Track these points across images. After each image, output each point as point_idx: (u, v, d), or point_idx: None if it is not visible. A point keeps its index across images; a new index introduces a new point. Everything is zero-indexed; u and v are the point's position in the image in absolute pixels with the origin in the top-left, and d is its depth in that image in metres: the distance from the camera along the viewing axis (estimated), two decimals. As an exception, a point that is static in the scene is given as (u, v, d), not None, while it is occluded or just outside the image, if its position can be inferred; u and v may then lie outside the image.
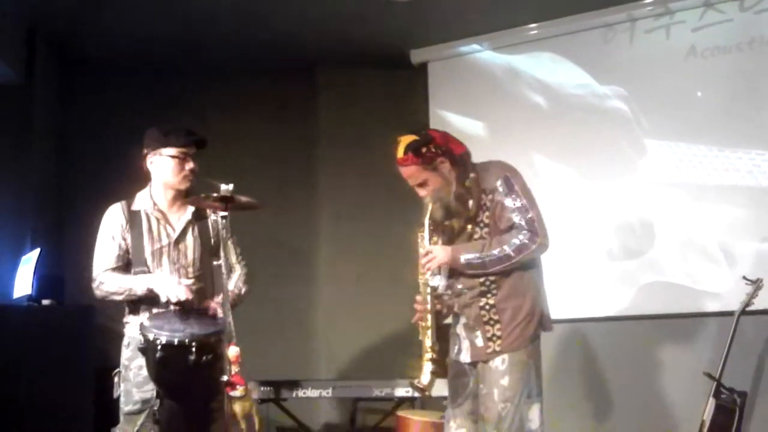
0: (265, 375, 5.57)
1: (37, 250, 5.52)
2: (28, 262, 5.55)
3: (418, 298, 3.78)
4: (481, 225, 3.75)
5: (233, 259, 4.28)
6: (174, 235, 4.12)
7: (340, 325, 6.56)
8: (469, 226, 3.77)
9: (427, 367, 3.70)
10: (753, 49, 5.43)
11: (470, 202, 3.75)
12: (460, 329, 3.86)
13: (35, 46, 6.13)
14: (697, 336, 5.31)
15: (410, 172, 3.77)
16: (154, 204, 4.15)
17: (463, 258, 3.69)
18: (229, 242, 4.24)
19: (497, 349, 3.71)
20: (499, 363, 3.71)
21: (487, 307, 3.74)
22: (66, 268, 6.14)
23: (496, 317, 3.73)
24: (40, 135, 6.22)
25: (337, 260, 6.69)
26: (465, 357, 3.83)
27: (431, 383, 3.71)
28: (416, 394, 5.44)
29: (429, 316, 3.73)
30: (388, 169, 6.24)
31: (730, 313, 4.83)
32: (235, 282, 4.24)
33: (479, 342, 3.76)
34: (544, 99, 6.12)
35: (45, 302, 5.45)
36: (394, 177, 6.03)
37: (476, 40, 6.37)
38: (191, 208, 4.16)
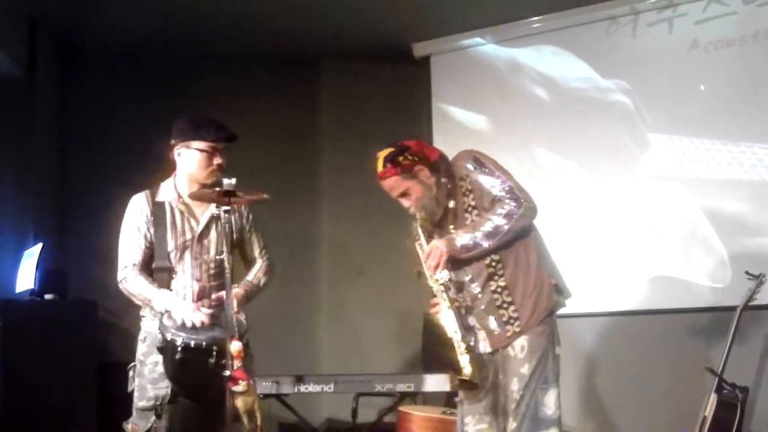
0: (267, 370, 5.57)
1: (40, 245, 5.53)
2: (31, 256, 5.55)
3: (434, 300, 3.76)
4: (470, 209, 3.77)
5: (255, 252, 4.25)
6: (198, 230, 4.06)
7: (341, 320, 6.56)
8: (452, 225, 3.77)
9: (465, 360, 3.65)
10: (757, 42, 5.41)
11: (452, 203, 3.79)
12: (472, 321, 3.84)
13: (37, 39, 6.13)
14: (699, 331, 5.30)
15: (391, 184, 3.82)
16: (179, 196, 4.07)
17: (458, 243, 3.70)
18: (253, 236, 4.22)
19: (516, 330, 3.71)
20: (519, 350, 3.70)
21: (499, 289, 3.74)
22: (68, 262, 6.16)
23: (509, 299, 3.73)
24: (42, 129, 6.22)
25: (338, 255, 6.69)
26: (484, 347, 3.81)
27: (474, 372, 3.66)
28: (422, 389, 5.47)
29: (450, 312, 3.71)
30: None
31: (732, 308, 4.82)
32: (254, 273, 4.20)
33: (496, 328, 3.75)
34: (546, 92, 6.11)
35: (47, 297, 5.46)
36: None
37: (479, 34, 6.36)
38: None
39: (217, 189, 3.74)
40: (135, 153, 6.29)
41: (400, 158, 3.79)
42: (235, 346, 3.64)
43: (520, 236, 3.73)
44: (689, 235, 5.50)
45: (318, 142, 6.87)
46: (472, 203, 3.76)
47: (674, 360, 5.36)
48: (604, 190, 5.81)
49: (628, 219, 5.69)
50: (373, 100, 6.74)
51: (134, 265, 3.99)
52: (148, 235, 4.02)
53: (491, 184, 3.71)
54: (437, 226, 3.83)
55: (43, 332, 5.33)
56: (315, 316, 6.70)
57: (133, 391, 4.05)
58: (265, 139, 6.68)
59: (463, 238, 3.70)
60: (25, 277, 5.54)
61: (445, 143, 6.33)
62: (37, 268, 5.42)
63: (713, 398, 4.67)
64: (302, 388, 5.54)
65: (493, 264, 3.74)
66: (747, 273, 4.85)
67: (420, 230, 3.81)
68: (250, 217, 4.23)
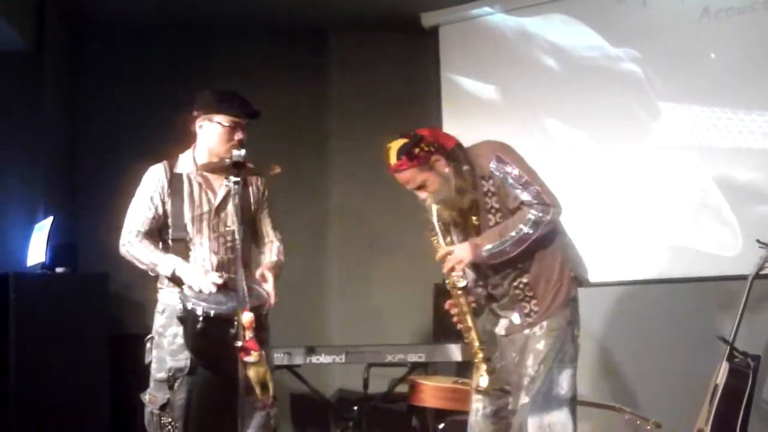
0: (279, 342, 5.59)
1: (51, 218, 5.53)
2: (42, 229, 5.56)
3: (450, 302, 3.72)
4: (493, 211, 3.69)
5: (269, 229, 4.25)
6: (215, 202, 4.07)
7: (352, 292, 6.57)
8: (475, 217, 3.72)
9: (482, 368, 3.64)
10: (768, 9, 5.37)
11: (471, 192, 3.68)
12: (496, 307, 3.84)
13: (45, 13, 6.10)
14: (711, 300, 5.30)
15: (407, 177, 3.67)
16: (197, 168, 4.08)
17: (484, 250, 3.63)
18: (266, 213, 4.22)
19: (532, 321, 3.71)
20: (537, 329, 3.70)
21: (521, 285, 3.73)
22: (79, 235, 6.17)
23: (530, 294, 3.72)
24: (51, 102, 6.22)
25: (349, 226, 6.69)
26: (500, 330, 3.83)
27: (491, 384, 3.65)
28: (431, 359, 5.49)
29: (468, 318, 3.68)
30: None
31: (744, 277, 4.80)
32: (275, 252, 4.21)
33: (516, 320, 3.76)
34: (556, 62, 6.08)
35: (59, 270, 5.47)
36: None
37: (488, 3, 6.31)
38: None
39: (227, 160, 3.74)
40: (144, 125, 6.30)
41: (416, 150, 3.62)
42: (246, 317, 3.65)
43: (546, 239, 3.69)
44: (700, 203, 5.48)
45: (327, 113, 6.85)
46: (496, 205, 3.68)
47: (685, 329, 5.36)
48: (614, 160, 5.79)
49: (638, 188, 5.68)
50: (382, 71, 6.71)
51: (139, 231, 4.01)
52: (161, 207, 4.03)
53: (517, 187, 3.62)
54: (460, 216, 3.74)
55: (54, 305, 5.34)
56: (326, 288, 6.71)
57: (150, 362, 4.08)
58: (274, 111, 6.61)
59: (489, 246, 3.63)
60: (36, 251, 5.55)
61: (455, 113, 6.34)
62: (48, 242, 5.44)
63: (725, 366, 4.66)
64: (314, 359, 5.57)
65: (520, 267, 3.71)
66: (758, 241, 4.83)
67: (436, 223, 3.69)
68: (266, 193, 4.23)
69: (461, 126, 6.23)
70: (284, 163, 3.99)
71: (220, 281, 3.85)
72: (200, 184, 4.06)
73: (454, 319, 3.72)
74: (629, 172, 5.72)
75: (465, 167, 3.67)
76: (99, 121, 6.56)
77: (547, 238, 3.70)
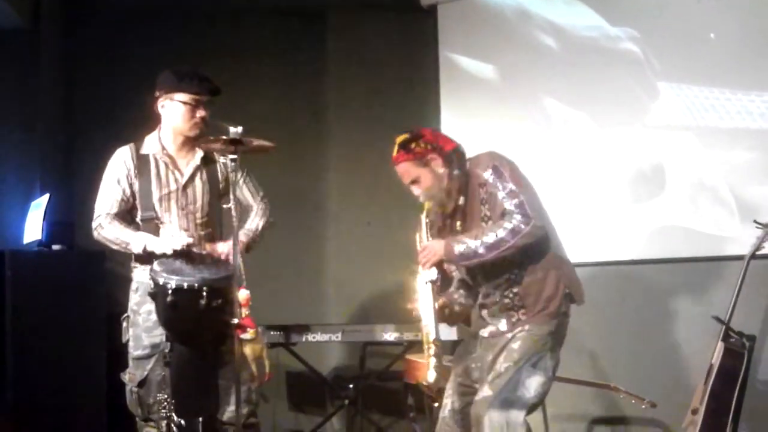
0: (275, 320, 5.60)
1: (47, 196, 5.53)
2: (38, 207, 5.56)
3: (416, 296, 3.83)
4: (485, 219, 3.76)
5: (250, 199, 4.27)
6: (182, 180, 4.11)
7: (349, 270, 6.57)
8: (459, 222, 3.81)
9: (432, 363, 3.70)
10: (768, -11, 5.34)
11: (461, 198, 3.79)
12: (485, 314, 3.89)
13: (41, -10, 6.09)
14: (707, 280, 5.30)
15: (403, 170, 3.83)
16: (163, 148, 4.13)
17: (456, 250, 3.70)
18: (244, 183, 4.24)
19: (517, 326, 3.75)
20: (518, 331, 3.75)
21: (511, 295, 3.79)
22: (76, 213, 6.16)
23: (519, 303, 3.78)
24: (47, 79, 6.21)
25: (346, 205, 6.68)
26: (484, 333, 3.88)
27: (437, 380, 3.72)
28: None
29: (431, 312, 3.74)
30: (399, 111, 6.27)
31: (740, 257, 4.81)
32: (252, 218, 4.25)
33: (503, 327, 3.80)
34: (555, 41, 6.05)
35: (55, 248, 5.48)
36: (406, 119, 6.02)
37: (487, -19, 6.29)
38: (200, 153, 4.15)
39: (224, 138, 3.74)
40: (141, 103, 6.23)
41: (413, 145, 3.79)
42: (242, 294, 3.67)
43: (538, 252, 3.73)
44: (698, 184, 5.47)
45: (325, 93, 6.82)
46: (488, 213, 3.76)
47: (682, 309, 5.37)
48: (612, 140, 5.77)
49: (636, 168, 5.66)
50: (381, 51, 6.68)
51: (108, 214, 4.07)
52: (128, 189, 4.09)
53: (504, 196, 3.69)
54: (446, 219, 3.85)
55: (51, 283, 5.35)
56: (323, 266, 6.70)
57: (128, 341, 4.11)
58: (272, 90, 6.66)
59: (462, 246, 3.69)
60: (33, 229, 5.55)
61: (453, 93, 6.32)
62: (44, 219, 5.44)
63: (720, 346, 4.67)
64: (310, 338, 5.59)
65: (512, 277, 3.77)
66: (755, 222, 4.83)
67: (424, 221, 3.83)
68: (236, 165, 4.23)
69: (460, 105, 6.23)
70: (282, 141, 3.99)
71: (189, 240, 3.89)
72: (166, 164, 4.11)
73: (415, 309, 3.82)
74: (627, 151, 5.71)
75: (456, 171, 3.77)
76: (96, 98, 6.54)
77: (537, 252, 3.75)
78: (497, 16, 6.27)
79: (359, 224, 6.57)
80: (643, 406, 4.87)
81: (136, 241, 4.00)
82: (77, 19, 6.65)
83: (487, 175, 3.74)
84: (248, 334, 3.72)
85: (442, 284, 3.89)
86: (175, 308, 3.75)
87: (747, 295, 4.75)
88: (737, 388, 4.61)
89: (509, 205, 3.67)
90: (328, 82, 6.81)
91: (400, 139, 3.84)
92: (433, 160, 3.79)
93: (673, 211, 5.53)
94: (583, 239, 5.59)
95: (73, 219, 5.87)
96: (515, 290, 3.77)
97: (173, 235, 3.98)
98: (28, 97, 6.05)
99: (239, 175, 4.19)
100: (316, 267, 6.68)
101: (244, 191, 4.27)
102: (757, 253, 4.77)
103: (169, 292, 3.74)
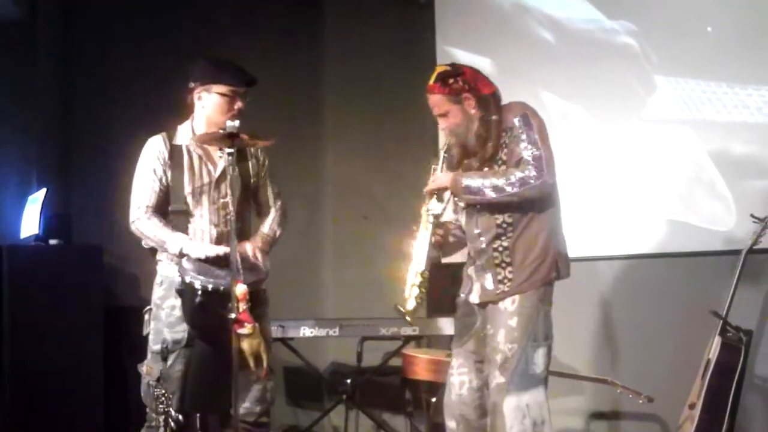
0: (272, 314, 5.59)
1: (44, 190, 5.53)
2: (35, 201, 5.56)
3: (416, 228, 3.82)
4: (499, 163, 3.75)
5: (270, 200, 4.25)
6: (215, 174, 4.05)
7: (347, 265, 6.56)
8: (485, 168, 3.76)
9: (413, 292, 3.71)
10: (767, -19, 5.33)
11: (489, 145, 3.75)
12: (471, 271, 3.88)
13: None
14: (704, 274, 5.29)
15: (434, 101, 3.80)
16: (197, 139, 4.06)
17: (464, 183, 3.69)
18: (267, 183, 4.22)
19: (506, 290, 3.72)
20: (508, 304, 3.73)
21: (500, 249, 3.76)
22: (73, 207, 6.16)
23: (508, 260, 3.75)
24: (44, 71, 6.20)
25: (344, 198, 6.67)
26: (474, 298, 3.86)
27: (414, 310, 3.72)
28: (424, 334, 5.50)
29: (426, 243, 3.75)
30: (397, 104, 6.25)
31: (737, 252, 4.82)
32: (269, 225, 4.21)
33: (489, 285, 3.77)
34: (552, 35, 6.04)
35: (52, 242, 5.48)
36: (403, 113, 6.00)
37: (484, -26, 6.28)
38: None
39: (221, 131, 3.72)
40: (139, 95, 6.26)
41: (450, 80, 3.77)
42: (239, 289, 3.66)
43: (537, 209, 3.73)
44: (694, 178, 5.47)
45: (322, 84, 6.81)
46: (504, 158, 3.74)
47: (678, 303, 5.36)
48: (608, 133, 5.77)
49: (632, 162, 5.66)
50: (378, 42, 6.66)
51: (147, 207, 4.00)
52: (164, 179, 4.01)
53: (526, 145, 3.68)
54: (464, 158, 3.81)
55: (48, 277, 5.36)
56: (320, 260, 6.70)
57: (148, 334, 4.09)
58: (268, 81, 6.57)
59: (470, 180, 3.68)
60: (30, 223, 5.55)
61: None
62: (41, 213, 5.43)
63: (717, 341, 4.67)
64: (307, 332, 5.58)
65: (504, 225, 3.75)
66: (752, 216, 4.84)
67: (442, 155, 3.81)
68: (266, 163, 4.22)
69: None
70: (279, 134, 3.97)
71: (226, 250, 3.87)
72: (200, 156, 4.05)
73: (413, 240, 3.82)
74: (624, 145, 5.70)
75: (493, 117, 3.75)
76: (93, 91, 6.52)
77: (538, 209, 3.73)
78: (495, 9, 6.26)
79: (357, 218, 6.57)
80: (641, 401, 4.86)
81: (173, 241, 3.94)
82: (74, 11, 6.63)
83: (516, 120, 3.73)
84: (245, 329, 3.71)
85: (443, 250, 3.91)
86: (203, 309, 3.74)
87: (744, 289, 4.75)
88: (734, 382, 4.61)
89: (527, 154, 3.66)
90: (324, 73, 6.80)
91: (440, 69, 3.83)
92: (467, 100, 3.76)
93: (670, 205, 5.53)
94: (579, 233, 5.57)
95: (70, 213, 5.88)
96: (505, 244, 3.74)
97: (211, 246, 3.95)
98: (25, 89, 6.03)
99: (263, 173, 4.19)
100: (313, 261, 6.67)
101: (267, 192, 4.25)
102: (755, 247, 4.77)
103: (199, 293, 3.73)
